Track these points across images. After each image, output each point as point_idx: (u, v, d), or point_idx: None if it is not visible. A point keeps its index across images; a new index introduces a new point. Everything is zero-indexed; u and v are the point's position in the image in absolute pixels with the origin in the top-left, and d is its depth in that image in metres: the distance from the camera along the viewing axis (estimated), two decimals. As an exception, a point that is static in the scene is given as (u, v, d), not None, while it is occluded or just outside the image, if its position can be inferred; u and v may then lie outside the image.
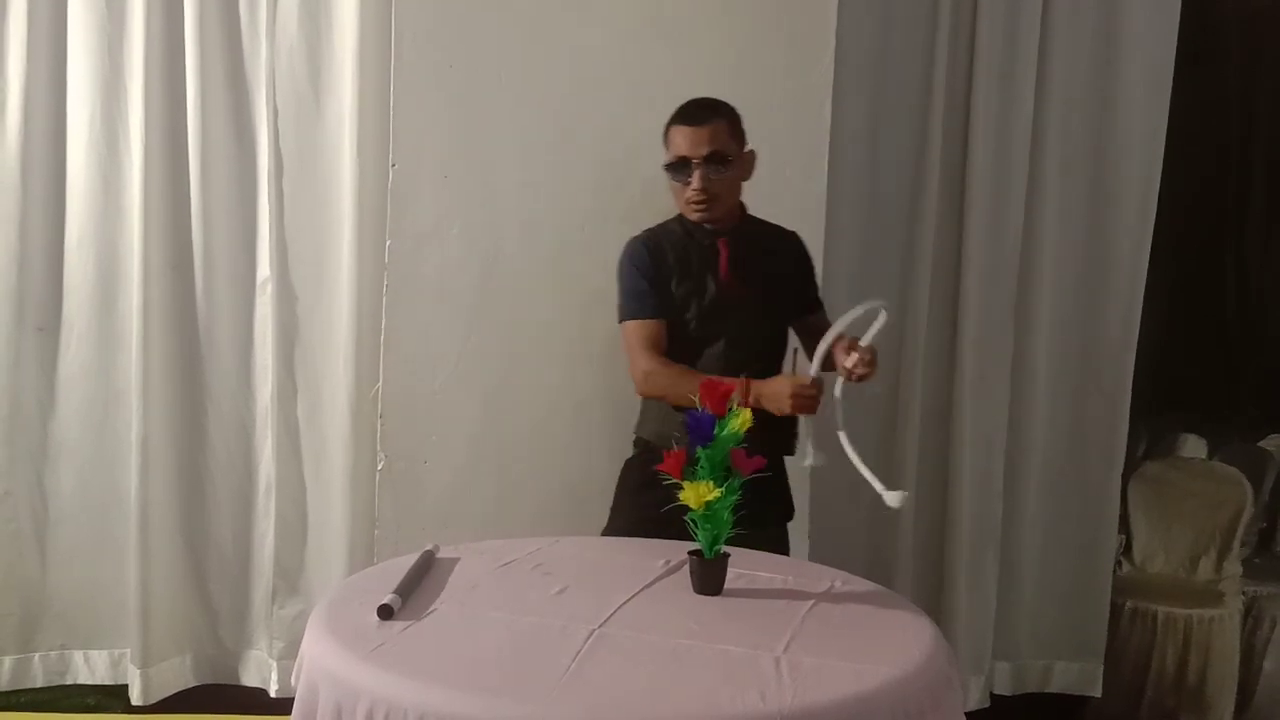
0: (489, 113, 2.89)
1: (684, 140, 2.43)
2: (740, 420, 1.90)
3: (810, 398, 2.24)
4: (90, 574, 3.30)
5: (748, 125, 2.50)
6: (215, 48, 3.16)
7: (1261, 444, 3.90)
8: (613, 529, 2.51)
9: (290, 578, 3.27)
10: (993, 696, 3.47)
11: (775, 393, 2.27)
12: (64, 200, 3.23)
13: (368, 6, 3.06)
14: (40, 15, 3.16)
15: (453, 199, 2.90)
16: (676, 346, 2.45)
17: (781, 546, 2.52)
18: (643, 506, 2.35)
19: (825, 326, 2.33)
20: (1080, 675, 3.49)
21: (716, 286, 2.47)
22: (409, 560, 2.01)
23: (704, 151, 2.41)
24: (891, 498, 2.16)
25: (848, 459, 2.19)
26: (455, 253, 2.92)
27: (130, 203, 3.19)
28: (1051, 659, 3.51)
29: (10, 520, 3.27)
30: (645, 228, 2.54)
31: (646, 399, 2.51)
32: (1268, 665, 3.42)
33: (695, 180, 2.41)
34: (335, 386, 3.19)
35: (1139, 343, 3.41)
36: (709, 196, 2.42)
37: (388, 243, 2.95)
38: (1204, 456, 3.81)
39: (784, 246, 2.60)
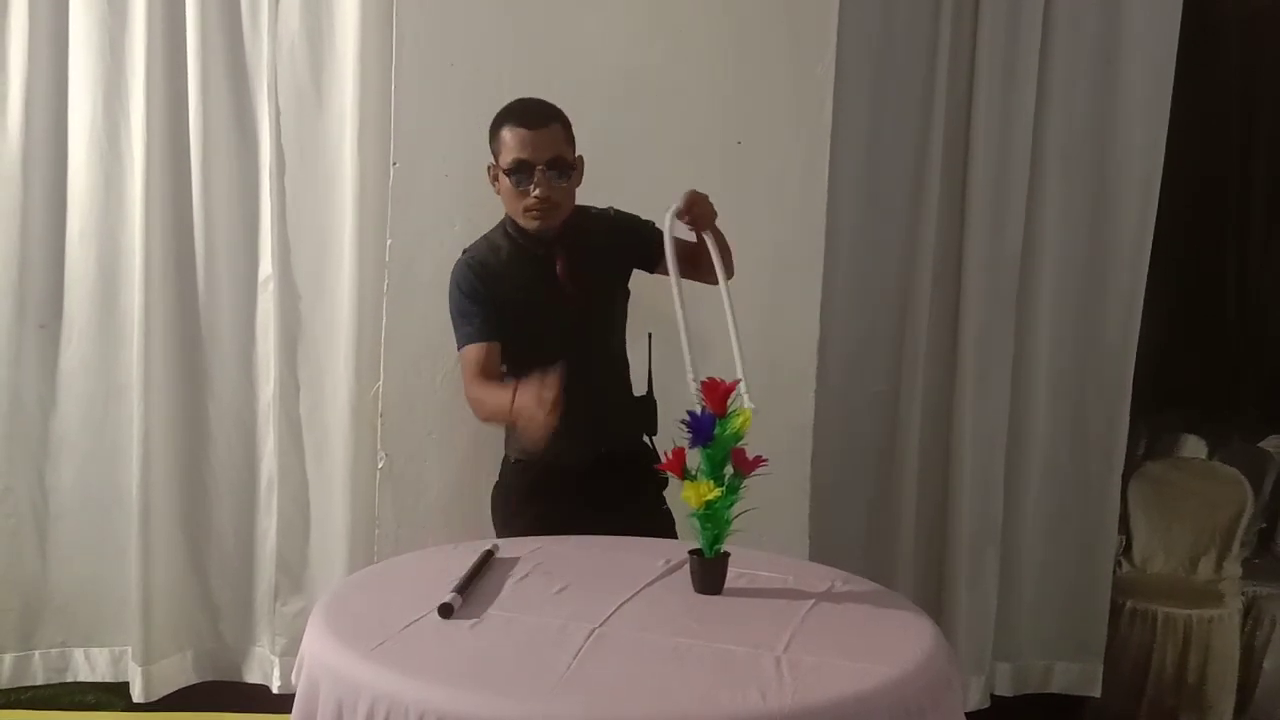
0: (489, 111, 2.88)
1: (522, 144, 2.30)
2: (742, 419, 1.90)
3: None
4: (91, 570, 3.30)
5: (749, 123, 2.49)
6: (217, 44, 3.16)
7: (1261, 444, 3.90)
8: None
9: (293, 574, 3.27)
10: (993, 697, 3.46)
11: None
12: (65, 196, 3.23)
13: (369, 4, 3.06)
14: (41, 11, 3.16)
15: (453, 197, 2.90)
16: (524, 370, 2.31)
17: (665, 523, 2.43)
18: (535, 518, 2.34)
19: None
20: (1080, 675, 3.48)
21: (556, 304, 2.37)
22: (410, 558, 2.02)
23: (546, 156, 2.30)
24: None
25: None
26: (456, 251, 2.90)
27: (132, 199, 3.19)
28: (1052, 659, 3.50)
29: (11, 516, 3.27)
30: (491, 236, 2.44)
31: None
32: (1267, 665, 3.42)
33: (539, 188, 2.29)
34: (336, 383, 3.19)
35: (1139, 342, 3.40)
36: (551, 205, 2.32)
37: (388, 241, 2.95)
38: (1204, 456, 3.81)
39: (608, 229, 2.45)
